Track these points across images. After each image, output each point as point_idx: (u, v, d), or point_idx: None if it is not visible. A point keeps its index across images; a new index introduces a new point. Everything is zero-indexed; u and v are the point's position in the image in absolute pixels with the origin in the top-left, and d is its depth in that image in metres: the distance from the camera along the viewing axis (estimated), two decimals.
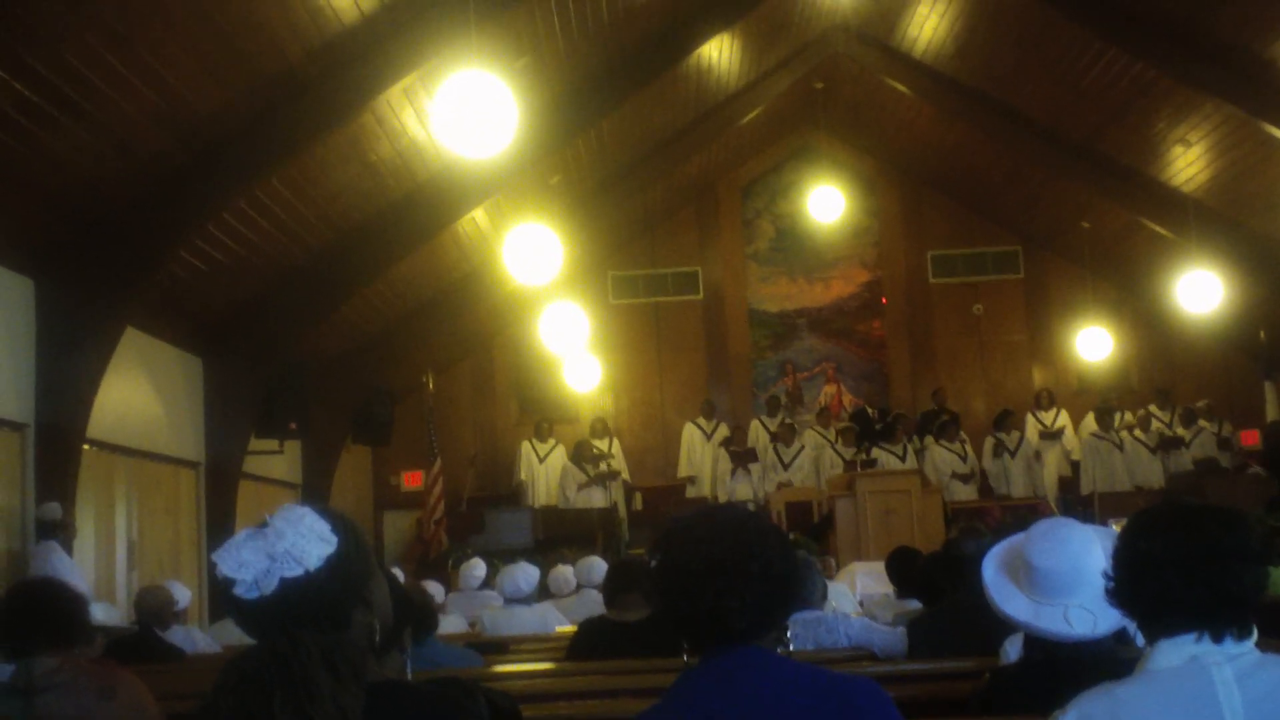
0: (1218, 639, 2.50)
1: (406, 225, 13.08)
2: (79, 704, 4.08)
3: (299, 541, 2.22)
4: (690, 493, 17.86)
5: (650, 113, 15.09)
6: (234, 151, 10.19)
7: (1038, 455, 16.90)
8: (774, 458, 17.11)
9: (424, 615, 5.77)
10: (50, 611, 4.25)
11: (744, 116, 16.65)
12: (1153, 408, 17.63)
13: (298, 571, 2.21)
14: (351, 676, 2.17)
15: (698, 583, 2.56)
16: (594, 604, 8.33)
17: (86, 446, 10.47)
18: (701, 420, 18.35)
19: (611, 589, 6.36)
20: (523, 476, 17.58)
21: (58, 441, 9.97)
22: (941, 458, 16.72)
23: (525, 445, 17.82)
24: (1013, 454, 16.85)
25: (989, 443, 17.09)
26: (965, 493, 16.44)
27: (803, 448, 17.28)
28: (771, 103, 16.86)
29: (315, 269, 12.76)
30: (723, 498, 16.79)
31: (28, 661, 4.11)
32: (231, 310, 12.68)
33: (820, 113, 17.72)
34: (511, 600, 8.55)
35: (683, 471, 18.19)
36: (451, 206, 13.26)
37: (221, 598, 2.26)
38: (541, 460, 17.65)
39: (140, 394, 11.75)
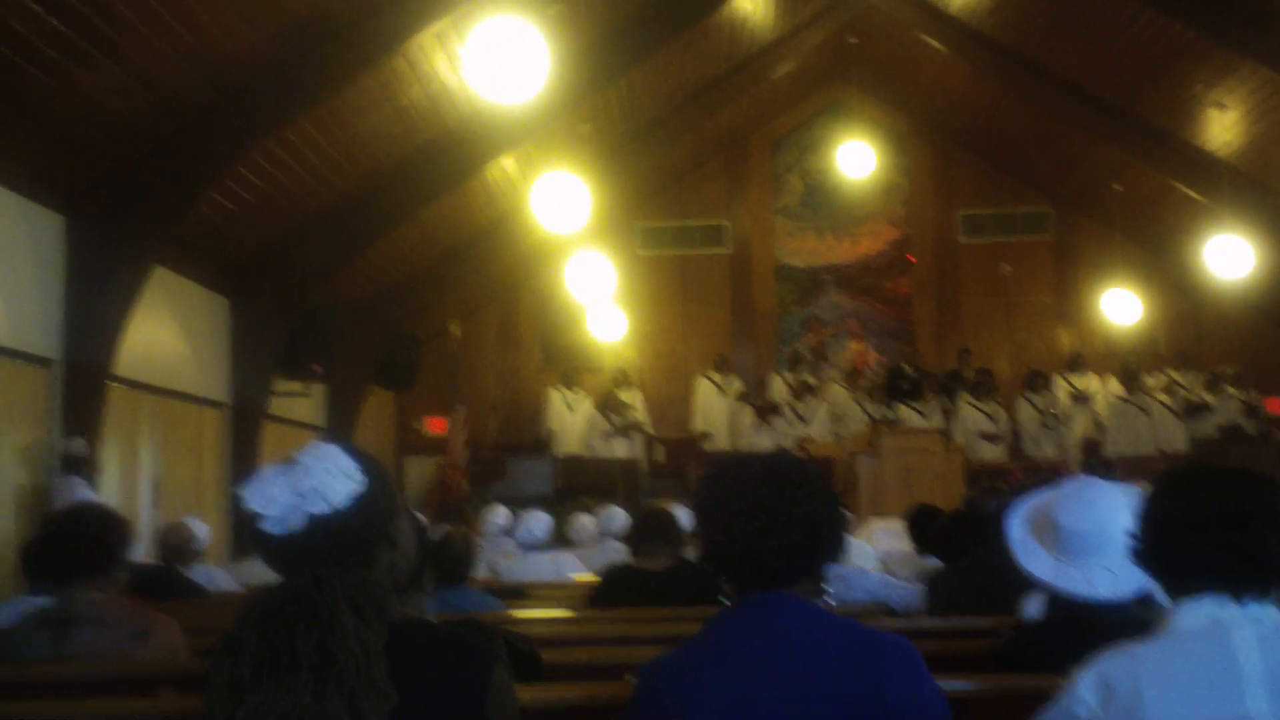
0: (1240, 601, 2.49)
1: (435, 170, 13.06)
2: (112, 642, 4.05)
3: (326, 479, 2.23)
4: (707, 447, 17.83)
5: (682, 63, 15.00)
6: (265, 92, 10.18)
7: (1064, 418, 16.79)
8: (791, 413, 17.09)
9: (458, 564, 5.81)
10: (94, 539, 4.18)
11: (776, 70, 16.55)
12: (1171, 371, 17.53)
13: (325, 509, 2.22)
14: (375, 614, 2.20)
15: (739, 521, 2.59)
16: (614, 553, 8.38)
17: (112, 384, 10.52)
18: (714, 374, 18.31)
19: (637, 538, 6.40)
20: (553, 426, 17.57)
21: (84, 378, 10.02)
22: (972, 417, 16.66)
23: (555, 394, 17.77)
24: (1044, 415, 16.77)
25: (1024, 405, 16.99)
26: (993, 453, 16.40)
27: (820, 403, 17.24)
28: (804, 57, 16.76)
29: (343, 212, 12.76)
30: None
31: (67, 593, 4.08)
32: (259, 251, 12.69)
33: (853, 68, 17.61)
34: (526, 547, 8.60)
35: (696, 426, 18.11)
36: (480, 153, 13.23)
37: (249, 533, 2.28)
38: (572, 410, 17.64)
39: (167, 333, 11.80)
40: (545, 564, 8.45)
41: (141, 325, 10.87)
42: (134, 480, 11.33)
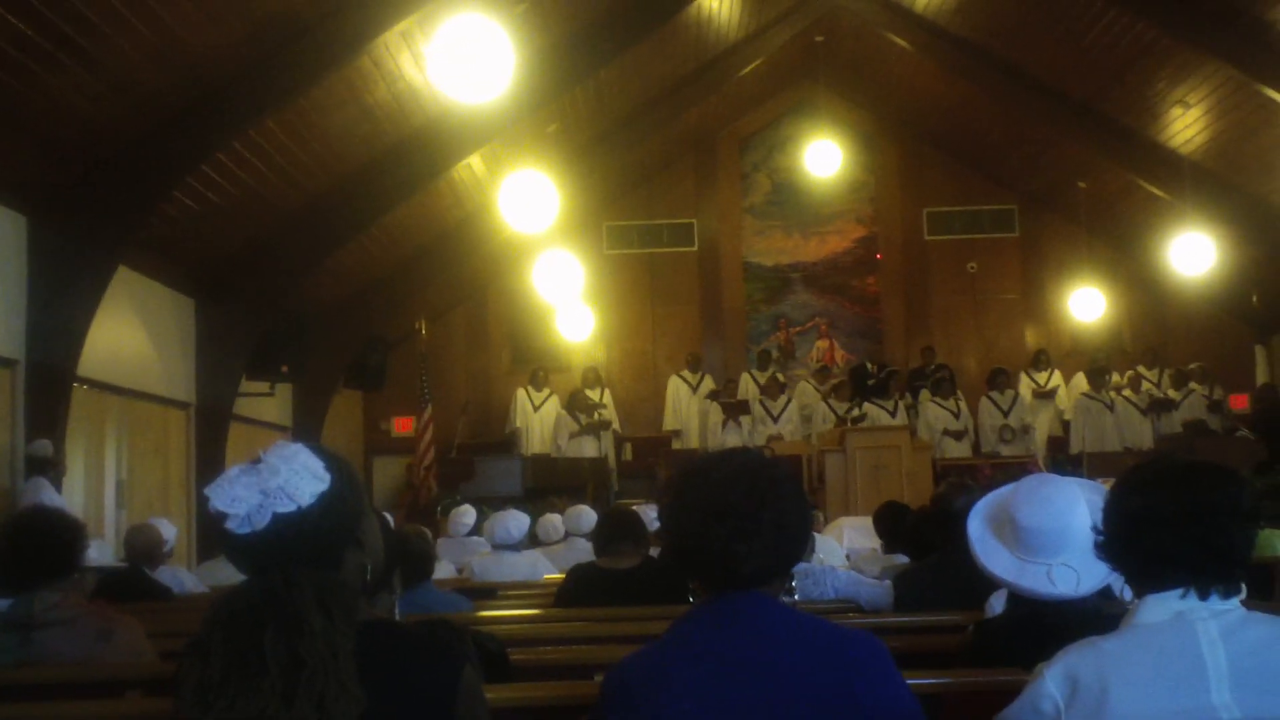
0: (1204, 595, 2.51)
1: (402, 171, 13.01)
2: (76, 643, 4.04)
3: (292, 478, 2.22)
4: (676, 445, 17.87)
5: (649, 63, 14.99)
6: (231, 93, 10.11)
7: (1026, 428, 16.84)
8: (762, 411, 17.13)
9: (421, 562, 5.79)
10: (53, 541, 4.18)
11: (743, 69, 16.56)
12: (1140, 368, 17.64)
13: (290, 508, 2.20)
14: (343, 615, 2.18)
15: (709, 523, 2.57)
16: (581, 552, 8.36)
17: (77, 385, 10.44)
18: (686, 373, 18.35)
19: (603, 537, 6.39)
20: (517, 424, 17.60)
21: (48, 379, 9.94)
22: (935, 414, 16.71)
23: (520, 393, 17.83)
24: (1006, 413, 16.83)
25: (984, 403, 17.06)
26: (958, 450, 16.44)
27: (789, 401, 17.28)
28: (771, 56, 16.77)
29: (310, 213, 12.70)
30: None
31: (29, 595, 4.07)
32: (226, 252, 12.62)
33: (820, 67, 17.62)
34: (500, 547, 8.58)
35: (668, 425, 18.19)
36: (447, 153, 13.19)
37: (214, 533, 2.26)
38: (536, 409, 17.66)
39: (132, 333, 11.72)
40: (519, 564, 8.44)
41: (106, 326, 10.80)
42: (100, 482, 11.25)
